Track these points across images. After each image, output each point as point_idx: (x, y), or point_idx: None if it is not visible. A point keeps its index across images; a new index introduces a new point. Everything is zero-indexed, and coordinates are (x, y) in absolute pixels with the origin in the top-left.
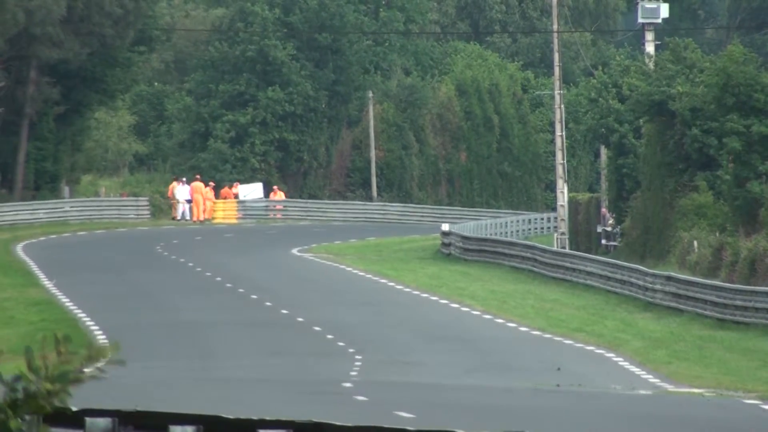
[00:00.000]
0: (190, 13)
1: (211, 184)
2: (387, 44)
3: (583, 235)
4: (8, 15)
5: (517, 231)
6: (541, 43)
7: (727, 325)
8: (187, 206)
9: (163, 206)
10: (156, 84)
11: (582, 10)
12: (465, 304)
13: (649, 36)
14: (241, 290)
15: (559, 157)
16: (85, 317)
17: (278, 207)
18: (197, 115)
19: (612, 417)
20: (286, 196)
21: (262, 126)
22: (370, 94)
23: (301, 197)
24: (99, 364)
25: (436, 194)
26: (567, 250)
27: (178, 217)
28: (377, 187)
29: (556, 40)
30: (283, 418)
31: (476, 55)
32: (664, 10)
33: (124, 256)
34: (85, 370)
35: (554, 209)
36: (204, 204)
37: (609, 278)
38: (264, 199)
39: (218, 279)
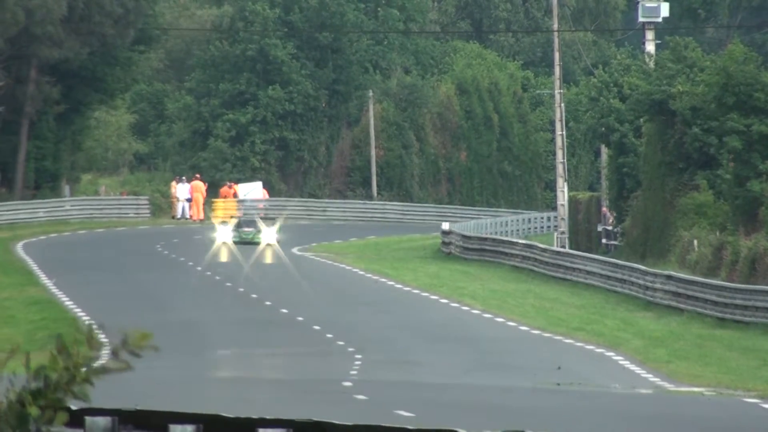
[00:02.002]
0: (183, 12)
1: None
2: (386, 43)
3: (583, 234)
4: (8, 14)
5: (517, 230)
6: (542, 42)
7: (727, 324)
8: (186, 205)
9: (163, 205)
10: (156, 83)
11: (582, 9)
12: (465, 304)
13: (650, 35)
14: (241, 289)
15: (560, 156)
16: (85, 316)
17: (260, 206)
18: (197, 114)
19: (612, 416)
20: (268, 194)
21: (262, 125)
22: (370, 93)
23: (301, 196)
24: (130, 352)
25: (436, 193)
26: (567, 250)
27: (178, 216)
28: (377, 186)
29: (556, 40)
30: (283, 418)
31: (476, 54)
32: (665, 9)
33: (124, 255)
34: (115, 358)
35: (554, 208)
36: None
37: (609, 277)
38: (261, 199)
39: (218, 278)
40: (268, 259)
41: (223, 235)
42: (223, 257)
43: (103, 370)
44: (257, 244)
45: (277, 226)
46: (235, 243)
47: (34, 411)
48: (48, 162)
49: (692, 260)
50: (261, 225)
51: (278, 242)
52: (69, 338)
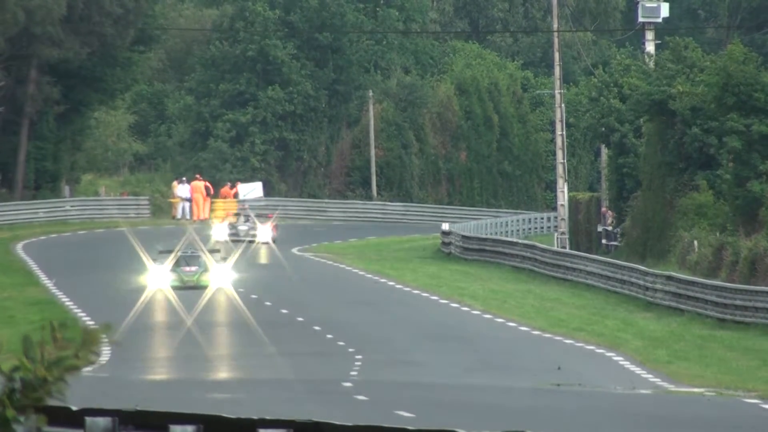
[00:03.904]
0: (183, 12)
1: (228, 185)
2: (385, 43)
3: (583, 234)
4: (8, 14)
5: (518, 230)
6: (542, 43)
7: (728, 324)
8: (187, 205)
9: (164, 205)
10: (156, 83)
11: (582, 9)
12: (465, 304)
13: (650, 35)
14: (241, 290)
15: (560, 157)
16: (85, 316)
17: (250, 206)
18: (197, 115)
19: (612, 416)
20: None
21: (262, 125)
22: (370, 93)
23: (301, 196)
24: (95, 348)
25: (436, 193)
26: (567, 250)
27: (179, 216)
28: (377, 186)
29: (556, 40)
30: (283, 418)
31: (475, 55)
32: (665, 10)
33: (124, 256)
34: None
35: (554, 209)
36: (205, 202)
37: (609, 278)
38: (257, 199)
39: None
40: (221, 311)
41: (158, 279)
42: (158, 315)
43: (74, 367)
44: (204, 287)
45: (231, 261)
46: (174, 288)
47: (11, 414)
48: (48, 162)
49: (692, 261)
50: (208, 261)
51: (232, 284)
52: (38, 337)
